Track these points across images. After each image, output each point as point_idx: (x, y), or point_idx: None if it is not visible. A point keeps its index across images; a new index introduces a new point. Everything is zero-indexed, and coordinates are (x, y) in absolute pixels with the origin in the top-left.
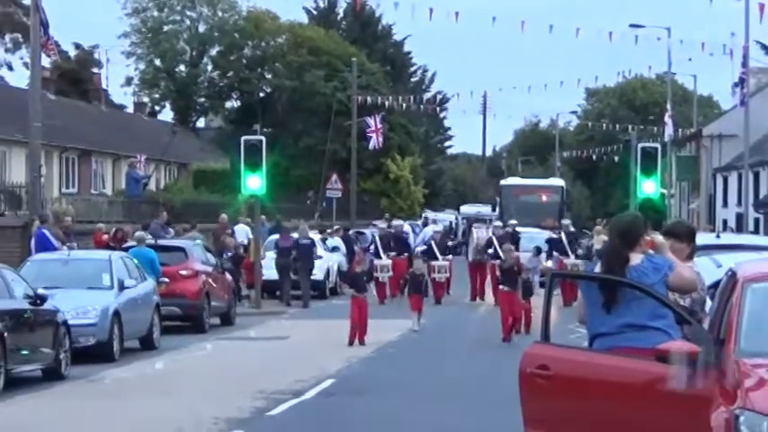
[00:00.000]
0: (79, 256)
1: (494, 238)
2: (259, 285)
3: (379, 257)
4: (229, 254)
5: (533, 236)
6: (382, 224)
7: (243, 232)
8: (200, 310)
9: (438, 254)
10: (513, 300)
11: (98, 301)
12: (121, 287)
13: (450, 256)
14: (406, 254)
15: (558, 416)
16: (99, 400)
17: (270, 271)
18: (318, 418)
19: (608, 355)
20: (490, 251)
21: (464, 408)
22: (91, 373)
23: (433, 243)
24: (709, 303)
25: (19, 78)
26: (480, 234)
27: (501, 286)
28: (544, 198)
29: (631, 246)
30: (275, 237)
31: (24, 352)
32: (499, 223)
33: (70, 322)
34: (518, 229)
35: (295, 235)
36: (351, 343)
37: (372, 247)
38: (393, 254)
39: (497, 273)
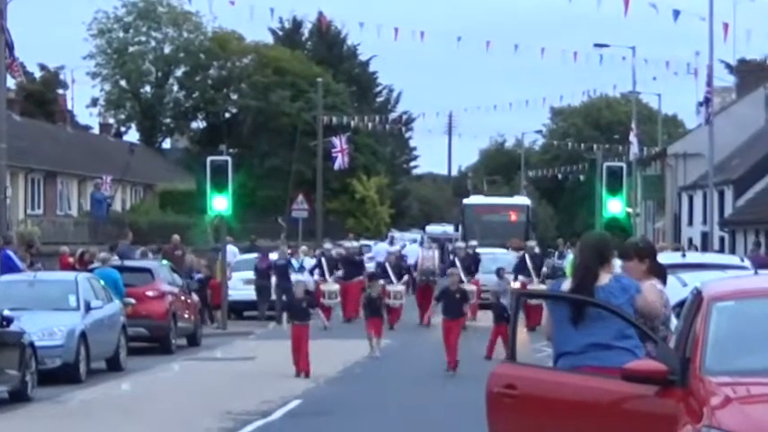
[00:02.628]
0: (45, 278)
1: (456, 260)
2: (225, 306)
3: (325, 280)
4: (199, 275)
5: (497, 257)
6: (328, 245)
7: (231, 253)
8: (167, 330)
9: (393, 277)
10: (454, 328)
11: (64, 322)
12: (88, 308)
13: (405, 279)
14: (360, 277)
15: None
16: (65, 421)
17: (237, 291)
18: None
19: (575, 374)
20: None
21: (429, 428)
22: (57, 394)
23: (387, 265)
24: (674, 321)
25: None
26: (426, 255)
27: (443, 315)
28: (509, 217)
29: (604, 262)
30: (248, 257)
31: None
32: (461, 244)
33: (36, 344)
34: (480, 250)
35: (273, 256)
36: (297, 374)
37: (317, 270)
38: (341, 277)
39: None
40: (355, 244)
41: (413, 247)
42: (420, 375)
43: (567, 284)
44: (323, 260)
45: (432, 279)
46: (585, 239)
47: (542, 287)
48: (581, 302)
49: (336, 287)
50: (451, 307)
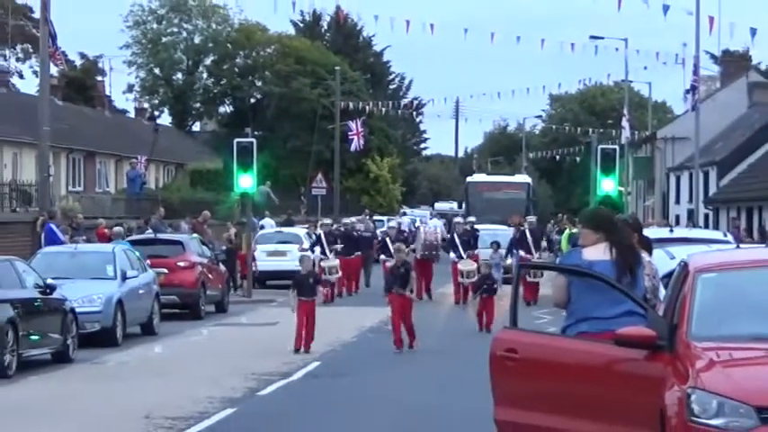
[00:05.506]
0: (85, 249)
1: (455, 236)
2: (251, 276)
3: (326, 257)
4: (224, 247)
5: (497, 233)
6: (327, 221)
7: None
8: (197, 298)
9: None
10: (405, 303)
11: (103, 290)
12: (124, 277)
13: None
14: (357, 253)
15: (525, 395)
16: (103, 381)
17: (261, 263)
18: (304, 398)
19: (571, 339)
20: (453, 255)
21: (441, 388)
22: (96, 356)
23: (387, 240)
24: (662, 291)
25: (29, 85)
26: (428, 230)
27: (393, 289)
28: (510, 194)
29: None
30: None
31: (35, 337)
32: (460, 219)
33: (77, 310)
34: (481, 226)
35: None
36: (297, 350)
37: (318, 246)
38: (340, 252)
39: (391, 271)
40: (353, 219)
41: (433, 221)
42: (432, 341)
43: (589, 254)
44: (322, 237)
45: (434, 254)
46: (608, 217)
47: (542, 260)
48: (631, 268)
49: (336, 262)
50: (398, 282)
